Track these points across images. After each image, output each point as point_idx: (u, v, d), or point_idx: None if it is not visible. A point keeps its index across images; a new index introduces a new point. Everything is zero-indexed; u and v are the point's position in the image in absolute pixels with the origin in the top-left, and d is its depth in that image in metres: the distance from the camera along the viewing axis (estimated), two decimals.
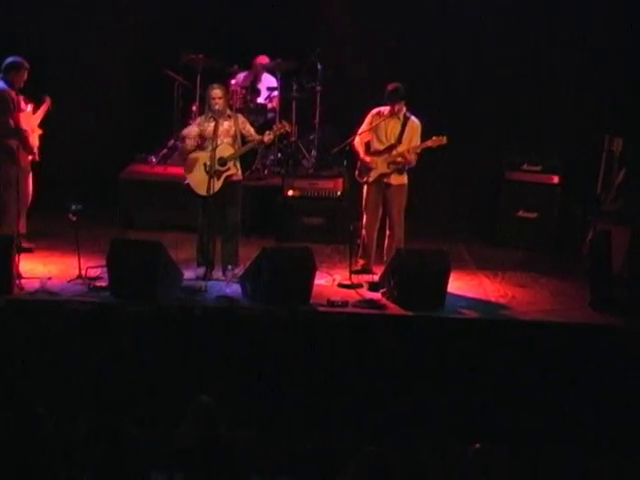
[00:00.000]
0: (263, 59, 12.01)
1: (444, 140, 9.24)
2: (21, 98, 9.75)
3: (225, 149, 9.09)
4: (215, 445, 5.98)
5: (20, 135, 9.68)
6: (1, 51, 9.93)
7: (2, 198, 9.72)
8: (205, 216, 9.15)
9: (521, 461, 6.89)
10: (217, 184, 9.04)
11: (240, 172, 9.31)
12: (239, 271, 9.15)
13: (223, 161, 9.06)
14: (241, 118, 9.37)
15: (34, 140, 9.85)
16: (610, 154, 9.15)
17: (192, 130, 9.29)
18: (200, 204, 9.19)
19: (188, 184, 9.23)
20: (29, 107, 9.88)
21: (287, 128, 9.62)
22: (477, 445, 5.53)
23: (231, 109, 9.88)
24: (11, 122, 9.66)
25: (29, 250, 9.71)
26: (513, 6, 11.48)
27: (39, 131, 9.97)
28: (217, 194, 9.05)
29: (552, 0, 11.44)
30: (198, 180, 9.14)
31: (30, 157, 9.83)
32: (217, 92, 9.10)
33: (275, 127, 9.44)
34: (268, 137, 9.28)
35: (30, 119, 9.86)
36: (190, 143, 9.22)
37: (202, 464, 5.95)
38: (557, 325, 8.53)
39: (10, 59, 9.72)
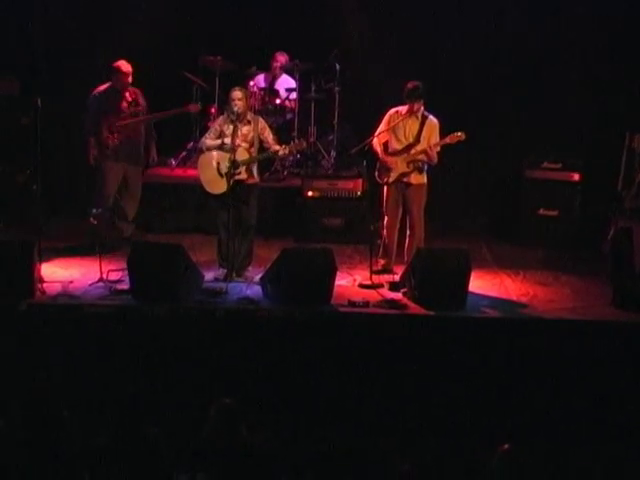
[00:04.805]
0: (282, 56, 12.01)
1: (462, 136, 9.22)
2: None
3: (240, 153, 9.07)
4: (237, 447, 5.99)
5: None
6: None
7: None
8: (220, 216, 9.19)
9: (547, 462, 6.84)
10: (225, 185, 9.05)
11: (256, 176, 9.28)
12: (258, 272, 9.15)
13: (236, 165, 9.03)
14: (262, 123, 9.32)
15: None
16: (631, 151, 9.10)
17: (211, 134, 9.29)
18: (214, 204, 9.23)
19: (200, 181, 9.28)
20: None
21: (304, 146, 9.70)
22: (505, 446, 5.50)
23: (252, 111, 9.88)
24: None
25: None
26: (530, 4, 11.46)
27: None
28: (228, 195, 9.06)
29: None
30: (208, 178, 9.17)
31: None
32: (237, 94, 9.11)
33: (293, 143, 9.47)
34: (283, 151, 9.30)
35: None
36: (211, 137, 9.24)
37: (224, 466, 5.96)
38: (579, 323, 8.49)
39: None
